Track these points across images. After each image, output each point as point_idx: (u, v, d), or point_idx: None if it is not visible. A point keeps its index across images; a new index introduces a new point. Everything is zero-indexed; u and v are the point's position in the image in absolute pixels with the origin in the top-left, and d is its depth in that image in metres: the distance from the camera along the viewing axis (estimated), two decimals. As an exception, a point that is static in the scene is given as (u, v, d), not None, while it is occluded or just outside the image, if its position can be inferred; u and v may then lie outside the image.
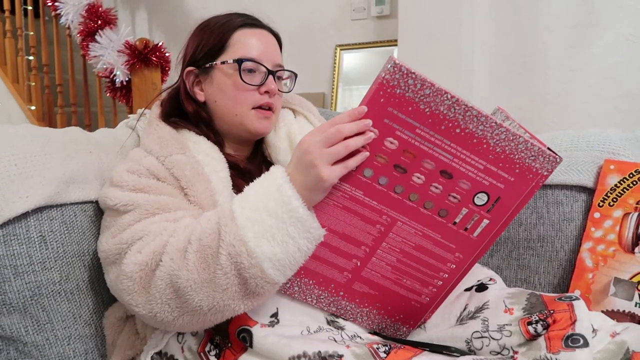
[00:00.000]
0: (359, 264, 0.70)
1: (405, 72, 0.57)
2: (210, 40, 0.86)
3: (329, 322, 0.74)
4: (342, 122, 0.62)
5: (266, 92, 0.85)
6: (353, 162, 0.62)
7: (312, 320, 0.72)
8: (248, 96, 0.84)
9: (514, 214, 0.67)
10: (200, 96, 0.88)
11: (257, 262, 0.62)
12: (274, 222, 0.63)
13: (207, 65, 0.86)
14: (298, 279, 0.71)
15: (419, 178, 0.63)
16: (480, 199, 0.65)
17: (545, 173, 0.64)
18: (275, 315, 0.71)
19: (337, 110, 2.36)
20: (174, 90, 0.92)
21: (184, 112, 0.89)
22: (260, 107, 0.86)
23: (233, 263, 0.63)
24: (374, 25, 2.34)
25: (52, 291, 0.78)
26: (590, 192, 0.91)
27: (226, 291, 0.64)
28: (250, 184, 0.68)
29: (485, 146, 0.61)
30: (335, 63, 2.41)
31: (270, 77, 0.85)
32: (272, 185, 0.65)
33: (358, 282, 0.71)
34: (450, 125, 0.60)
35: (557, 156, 0.63)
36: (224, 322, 0.69)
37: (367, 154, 0.62)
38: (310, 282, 0.71)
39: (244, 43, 0.85)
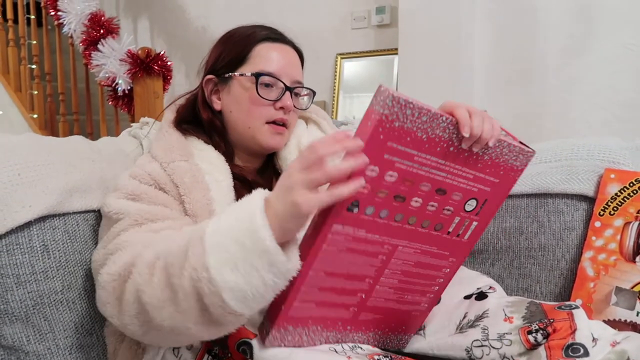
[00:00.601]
0: (364, 297, 0.69)
1: (404, 103, 0.54)
2: (232, 51, 0.87)
3: None
4: (328, 154, 0.54)
5: (281, 107, 0.85)
6: (341, 191, 0.54)
7: None
8: (263, 110, 0.85)
9: (496, 210, 0.69)
10: (217, 105, 0.89)
11: (217, 290, 0.57)
12: (240, 251, 0.57)
13: (227, 75, 0.87)
14: (306, 329, 0.68)
15: (416, 202, 0.62)
16: (470, 205, 0.66)
17: (523, 167, 0.66)
18: None
19: (338, 118, 2.37)
20: (193, 96, 0.93)
21: (199, 119, 0.90)
22: (274, 122, 0.86)
23: (194, 287, 0.59)
24: (374, 34, 2.36)
25: (54, 300, 0.78)
26: (590, 201, 0.91)
27: (187, 314, 0.60)
28: (234, 204, 0.63)
29: (474, 157, 0.62)
30: (336, 71, 2.43)
31: (287, 93, 0.85)
32: (246, 211, 0.59)
33: (364, 312, 0.71)
34: (445, 145, 0.60)
35: (532, 150, 0.66)
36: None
37: (362, 182, 0.55)
38: (318, 327, 0.68)
39: (264, 57, 0.85)
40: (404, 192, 0.60)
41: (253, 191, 0.62)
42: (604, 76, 1.83)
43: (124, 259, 0.67)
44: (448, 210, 0.65)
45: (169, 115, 0.91)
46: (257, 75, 0.83)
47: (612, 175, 0.88)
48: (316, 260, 0.60)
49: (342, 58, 2.42)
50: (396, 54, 2.14)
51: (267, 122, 0.86)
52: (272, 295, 0.59)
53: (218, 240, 0.60)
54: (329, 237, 0.59)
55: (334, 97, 2.42)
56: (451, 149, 0.60)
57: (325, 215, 0.58)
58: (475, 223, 0.68)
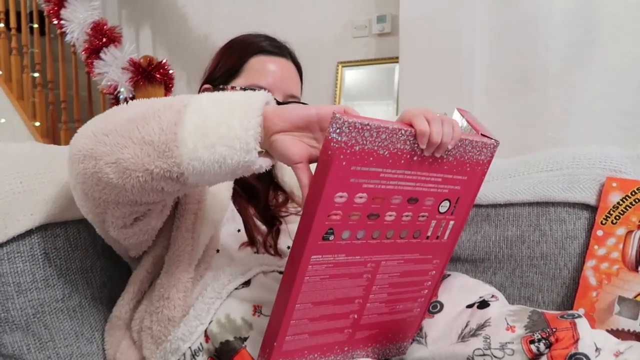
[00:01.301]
0: (356, 317, 0.68)
1: (360, 127, 0.53)
2: (228, 62, 0.87)
3: None
4: None
5: None
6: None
7: None
8: None
9: (472, 204, 0.70)
10: None
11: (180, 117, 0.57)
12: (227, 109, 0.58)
13: (221, 87, 0.87)
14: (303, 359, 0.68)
15: (390, 216, 0.62)
16: (444, 206, 0.66)
17: (489, 159, 0.67)
18: None
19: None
20: None
21: None
22: None
23: (156, 117, 0.57)
24: (375, 43, 2.37)
25: (55, 309, 0.78)
26: (592, 209, 0.91)
27: (136, 157, 0.57)
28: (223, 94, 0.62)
29: (439, 161, 0.62)
30: (337, 79, 2.44)
31: None
32: (249, 96, 0.60)
33: (359, 331, 0.70)
34: (409, 156, 0.59)
35: (496, 141, 0.66)
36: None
37: None
38: (316, 355, 0.68)
39: (258, 70, 0.85)
40: (376, 210, 0.60)
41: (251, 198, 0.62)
42: (604, 85, 1.84)
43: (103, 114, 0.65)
44: (423, 216, 0.65)
45: None
46: (244, 90, 0.83)
47: (614, 184, 0.88)
48: (300, 294, 0.60)
49: (343, 66, 2.43)
50: (397, 62, 2.15)
51: None
52: (227, 169, 0.57)
53: (208, 102, 0.59)
54: (309, 269, 0.59)
55: (335, 104, 2.43)
56: (415, 158, 0.59)
57: (301, 247, 0.57)
58: (452, 222, 0.69)
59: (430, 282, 0.73)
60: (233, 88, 0.85)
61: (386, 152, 0.57)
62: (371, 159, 0.56)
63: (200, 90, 0.90)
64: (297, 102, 0.89)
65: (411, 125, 0.58)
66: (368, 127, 0.54)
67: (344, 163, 0.54)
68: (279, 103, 0.85)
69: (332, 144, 0.53)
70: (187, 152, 0.57)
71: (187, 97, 0.61)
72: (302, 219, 0.57)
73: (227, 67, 0.87)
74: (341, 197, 0.56)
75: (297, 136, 0.59)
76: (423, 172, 0.61)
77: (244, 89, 0.83)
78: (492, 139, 0.66)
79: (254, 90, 0.80)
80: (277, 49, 0.89)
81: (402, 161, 0.59)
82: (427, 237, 0.68)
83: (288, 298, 0.59)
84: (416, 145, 0.59)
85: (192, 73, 2.74)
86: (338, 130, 0.53)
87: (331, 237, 0.58)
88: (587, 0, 1.83)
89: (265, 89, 0.81)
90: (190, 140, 0.57)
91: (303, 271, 0.58)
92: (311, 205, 0.56)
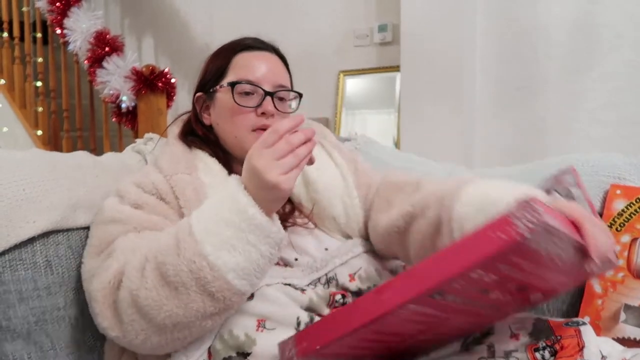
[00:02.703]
0: (398, 346, 0.67)
1: (552, 230, 0.48)
2: (215, 65, 0.88)
3: None
4: (287, 130, 0.64)
5: (263, 113, 0.84)
6: (303, 163, 0.65)
7: None
8: (245, 119, 0.84)
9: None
10: (207, 120, 0.89)
11: (220, 274, 0.62)
12: (233, 232, 0.63)
13: (211, 90, 0.88)
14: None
15: (495, 294, 0.59)
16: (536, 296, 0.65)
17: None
18: None
19: (341, 134, 2.38)
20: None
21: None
22: (261, 129, 0.85)
23: (195, 279, 0.62)
24: (376, 52, 2.38)
25: (57, 317, 0.78)
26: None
27: (189, 307, 0.63)
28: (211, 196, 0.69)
29: (576, 268, 0.59)
30: (338, 88, 2.44)
31: (268, 98, 0.84)
32: (227, 194, 0.65)
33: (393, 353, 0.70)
34: (558, 260, 0.55)
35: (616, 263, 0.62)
36: None
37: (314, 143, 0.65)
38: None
39: (244, 66, 0.86)
40: (491, 287, 0.57)
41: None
42: (605, 93, 1.84)
43: (114, 266, 0.68)
44: (516, 301, 0.63)
45: (175, 128, 0.92)
46: (232, 85, 0.83)
47: (618, 191, 0.88)
48: (371, 323, 0.56)
49: (344, 75, 2.44)
50: (398, 71, 2.16)
51: (254, 130, 0.84)
52: (269, 266, 0.66)
53: (207, 227, 0.64)
54: (397, 311, 0.55)
55: (336, 113, 2.43)
56: (559, 263, 0.56)
57: (404, 293, 0.53)
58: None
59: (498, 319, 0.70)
60: (221, 87, 0.85)
61: (545, 253, 0.52)
62: (532, 255, 0.51)
63: (194, 99, 0.91)
64: (288, 91, 0.88)
65: (577, 227, 0.56)
66: (556, 232, 0.49)
67: (509, 254, 0.49)
68: (268, 93, 0.84)
69: (511, 232, 0.47)
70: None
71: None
72: (420, 269, 0.53)
73: (215, 70, 0.88)
74: (478, 273, 0.51)
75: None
76: (553, 273, 0.58)
77: (233, 85, 0.83)
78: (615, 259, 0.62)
79: (238, 84, 0.83)
80: (260, 44, 0.90)
81: (548, 262, 0.54)
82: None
83: (357, 320, 0.56)
84: (574, 253, 0.55)
85: (194, 82, 2.74)
86: (529, 225, 0.46)
87: (437, 297, 0.54)
88: (587, 8, 1.84)
89: (250, 82, 0.82)
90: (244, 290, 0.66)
91: (391, 309, 0.55)
92: (445, 266, 0.51)
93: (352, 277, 0.80)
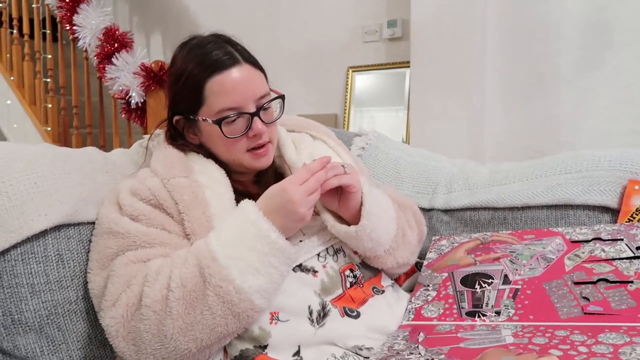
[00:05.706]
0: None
1: None
2: (185, 94, 0.83)
3: (355, 352, 0.73)
4: (317, 170, 0.74)
5: (254, 135, 0.82)
6: (330, 183, 0.76)
7: (337, 349, 0.72)
8: (238, 144, 0.82)
9: None
10: (195, 140, 0.87)
11: (246, 297, 0.67)
12: (256, 257, 0.69)
13: (192, 117, 0.84)
14: None
15: None
16: None
17: None
18: (297, 353, 0.71)
19: (350, 129, 2.37)
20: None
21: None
22: (254, 149, 0.83)
23: (222, 302, 0.67)
24: (385, 48, 2.36)
25: (68, 310, 0.77)
26: (613, 212, 0.89)
27: (214, 330, 0.68)
28: (224, 221, 0.73)
29: None
30: (347, 84, 2.43)
31: (255, 119, 0.81)
32: (246, 220, 0.71)
33: None
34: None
35: None
36: None
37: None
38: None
39: (219, 93, 0.80)
40: None
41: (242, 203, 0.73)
42: (618, 89, 1.82)
43: (124, 300, 0.70)
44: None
45: (161, 132, 0.91)
46: (218, 122, 0.80)
47: (637, 187, 0.86)
48: None
49: (353, 71, 2.43)
50: (408, 67, 2.14)
51: (248, 151, 0.83)
52: (283, 281, 0.72)
53: (230, 254, 0.68)
54: None
55: (345, 110, 2.42)
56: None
57: None
58: None
59: None
60: (204, 120, 0.82)
61: None
62: None
63: (174, 121, 0.86)
64: (272, 99, 0.84)
65: None
66: None
67: None
68: (254, 114, 0.81)
69: None
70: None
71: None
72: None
73: (187, 99, 0.83)
74: None
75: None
76: None
77: (219, 122, 0.80)
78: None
79: (223, 120, 0.80)
80: (227, 60, 0.81)
81: None
82: None
83: None
84: None
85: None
86: None
87: None
88: (598, 3, 1.81)
89: (233, 109, 0.80)
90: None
91: None
92: None
93: (354, 251, 0.84)
